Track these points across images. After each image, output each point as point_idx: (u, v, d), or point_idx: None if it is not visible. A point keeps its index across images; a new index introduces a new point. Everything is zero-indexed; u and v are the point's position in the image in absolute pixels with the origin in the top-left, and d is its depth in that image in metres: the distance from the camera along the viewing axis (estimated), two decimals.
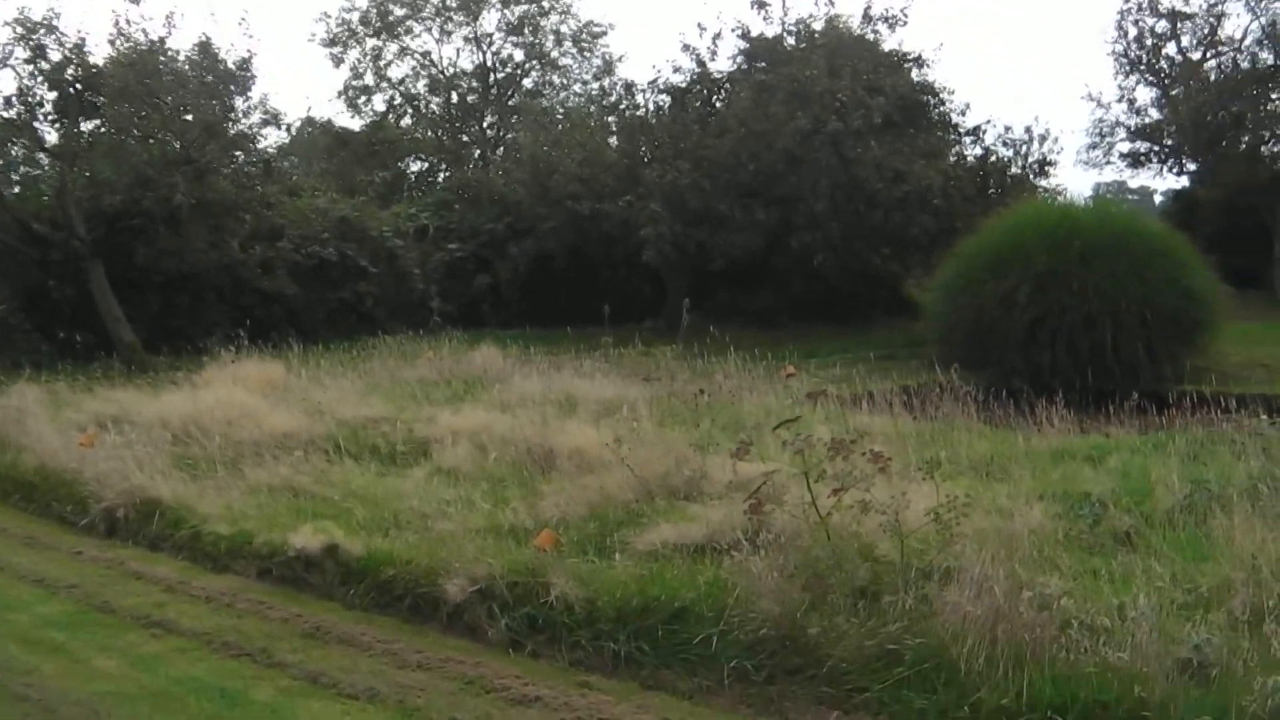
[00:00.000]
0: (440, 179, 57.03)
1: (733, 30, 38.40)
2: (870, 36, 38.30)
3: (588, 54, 60.11)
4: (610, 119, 42.80)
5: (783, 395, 18.40)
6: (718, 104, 39.73)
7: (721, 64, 39.45)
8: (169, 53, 33.69)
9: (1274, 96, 46.57)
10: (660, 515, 11.20)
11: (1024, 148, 41.30)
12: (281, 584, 11.81)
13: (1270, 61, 45.93)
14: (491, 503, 12.47)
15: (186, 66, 34.23)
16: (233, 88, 34.63)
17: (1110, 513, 10.41)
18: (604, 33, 59.84)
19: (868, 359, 28.20)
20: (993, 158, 38.89)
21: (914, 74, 38.73)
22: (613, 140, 41.44)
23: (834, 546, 8.85)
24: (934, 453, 12.81)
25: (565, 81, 60.25)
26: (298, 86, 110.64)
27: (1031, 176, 40.02)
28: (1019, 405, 17.31)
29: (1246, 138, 46.64)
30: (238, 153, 35.34)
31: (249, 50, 34.54)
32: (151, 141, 32.95)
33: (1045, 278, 25.44)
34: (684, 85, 39.77)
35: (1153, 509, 10.38)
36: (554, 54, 60.18)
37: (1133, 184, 71.56)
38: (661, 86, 40.32)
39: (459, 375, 22.91)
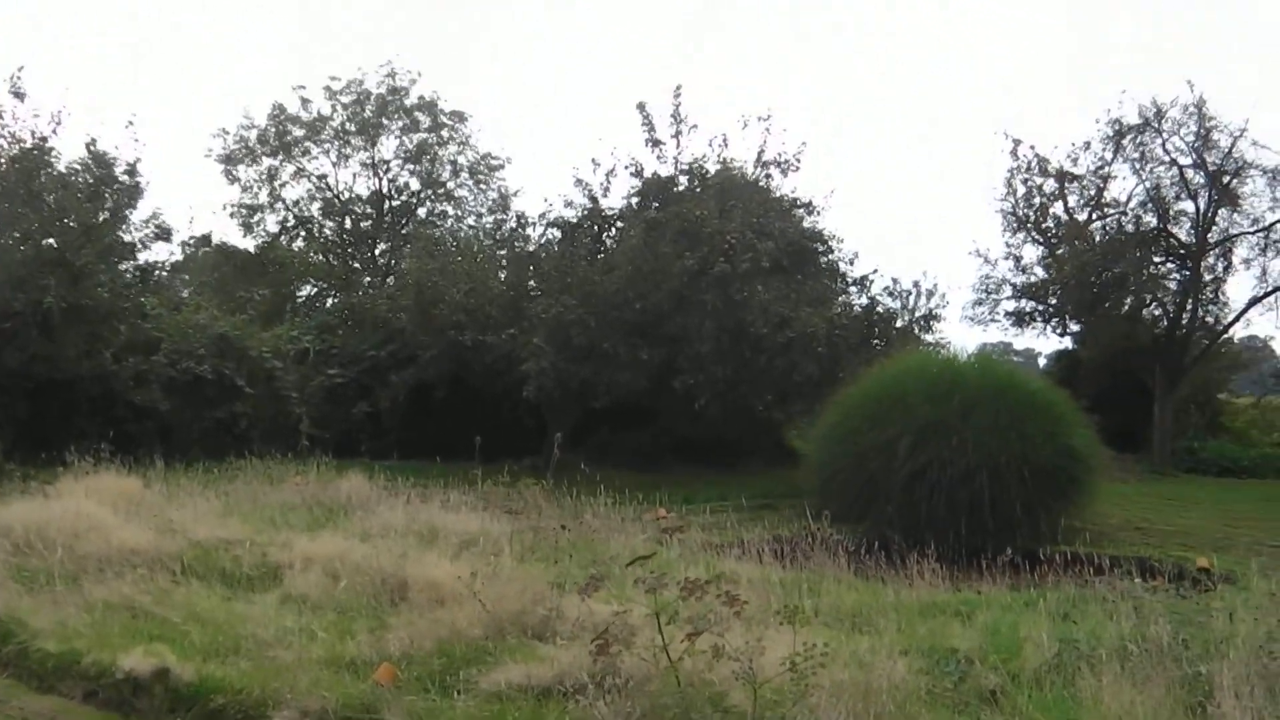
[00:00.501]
0: (329, 304, 56.51)
1: (626, 168, 38.33)
2: (762, 180, 38.43)
3: (484, 186, 60.18)
4: (500, 251, 42.54)
5: (652, 538, 18.03)
6: (608, 240, 39.64)
7: (614, 200, 39.41)
8: (53, 152, 33.15)
9: (1156, 259, 47.37)
10: (510, 654, 10.72)
11: (911, 300, 41.62)
12: (107, 707, 11.20)
13: (1153, 224, 46.74)
14: (336, 633, 11.93)
15: (73, 169, 33.77)
16: (120, 195, 34.12)
17: (976, 670, 10.07)
18: (501, 166, 60.00)
19: (745, 505, 28.01)
20: (879, 308, 39.04)
21: (804, 220, 38.91)
22: (502, 273, 41.14)
23: (683, 693, 8.41)
24: (797, 601, 12.47)
25: (460, 212, 60.10)
26: (191, 201, 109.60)
27: (917, 329, 40.24)
28: (891, 558, 17.05)
29: (1129, 299, 47.35)
30: (117, 260, 34.72)
31: (136, 156, 34.12)
32: (28, 242, 32.23)
33: (926, 429, 25.21)
34: (575, 220, 39.61)
35: (1020, 667, 10.04)
36: (450, 184, 60.14)
37: (1018, 345, 72.42)
38: (552, 220, 40.21)
39: (323, 502, 22.29)
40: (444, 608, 12.25)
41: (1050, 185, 49.76)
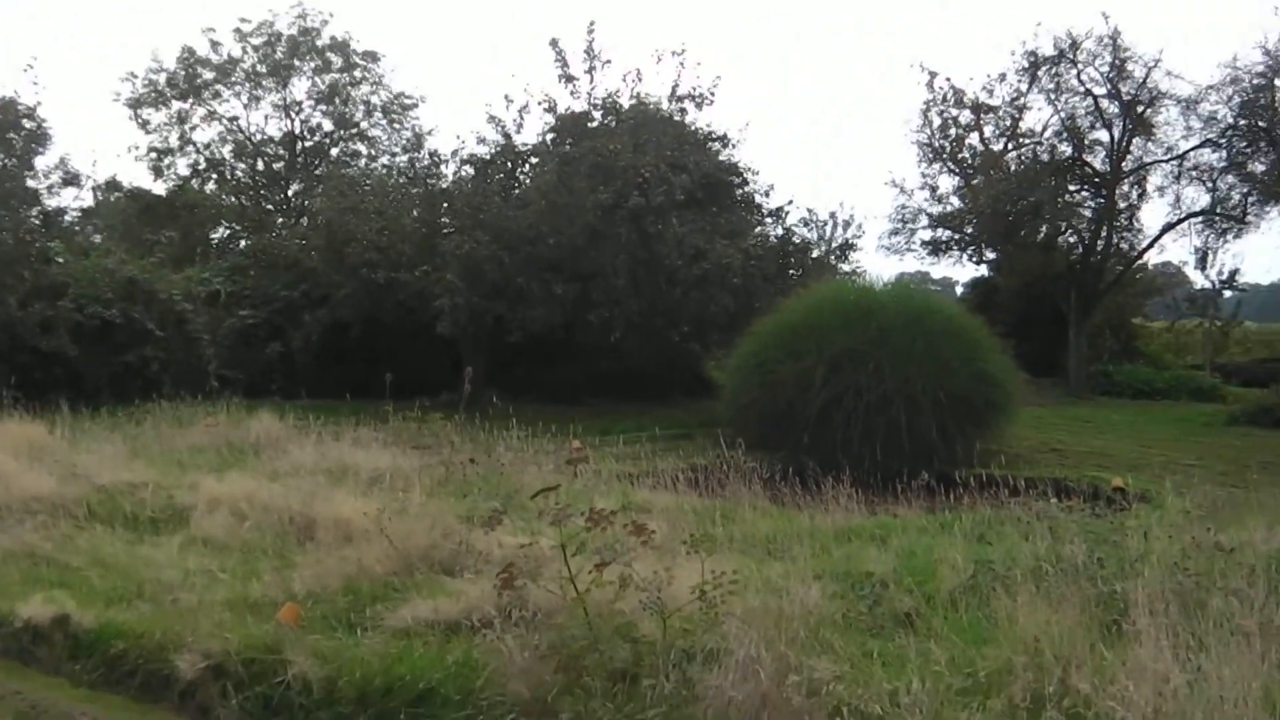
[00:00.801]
0: (242, 246, 55.69)
1: (540, 104, 37.86)
2: (677, 115, 38.11)
3: (398, 125, 59.35)
4: (414, 190, 41.97)
5: (561, 470, 17.84)
6: (522, 177, 39.25)
7: (528, 137, 38.96)
8: None
9: (1071, 188, 47.67)
10: (417, 590, 10.51)
11: (828, 230, 41.66)
12: (6, 657, 10.89)
13: (1068, 153, 46.94)
14: (241, 575, 11.68)
15: None
16: (25, 141, 33.38)
17: (891, 593, 9.94)
18: (415, 105, 59.08)
19: (661, 436, 27.95)
20: (794, 239, 38.97)
21: (720, 153, 38.66)
22: (415, 211, 40.60)
23: (591, 625, 8.21)
24: (711, 529, 12.35)
25: (374, 152, 59.23)
26: (101, 146, 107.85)
27: (833, 259, 40.27)
28: (807, 484, 16.95)
29: (1044, 228, 47.61)
30: (22, 206, 34.00)
31: (37, 100, 33.38)
32: None
33: (841, 358, 25.23)
34: (488, 157, 39.16)
35: (935, 590, 9.90)
36: (363, 124, 59.31)
37: (936, 274, 72.73)
38: (465, 157, 39.74)
39: (233, 443, 21.93)
40: (352, 545, 12.03)
41: (966, 116, 50.02)
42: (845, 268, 40.62)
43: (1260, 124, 43.45)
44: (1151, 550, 9.84)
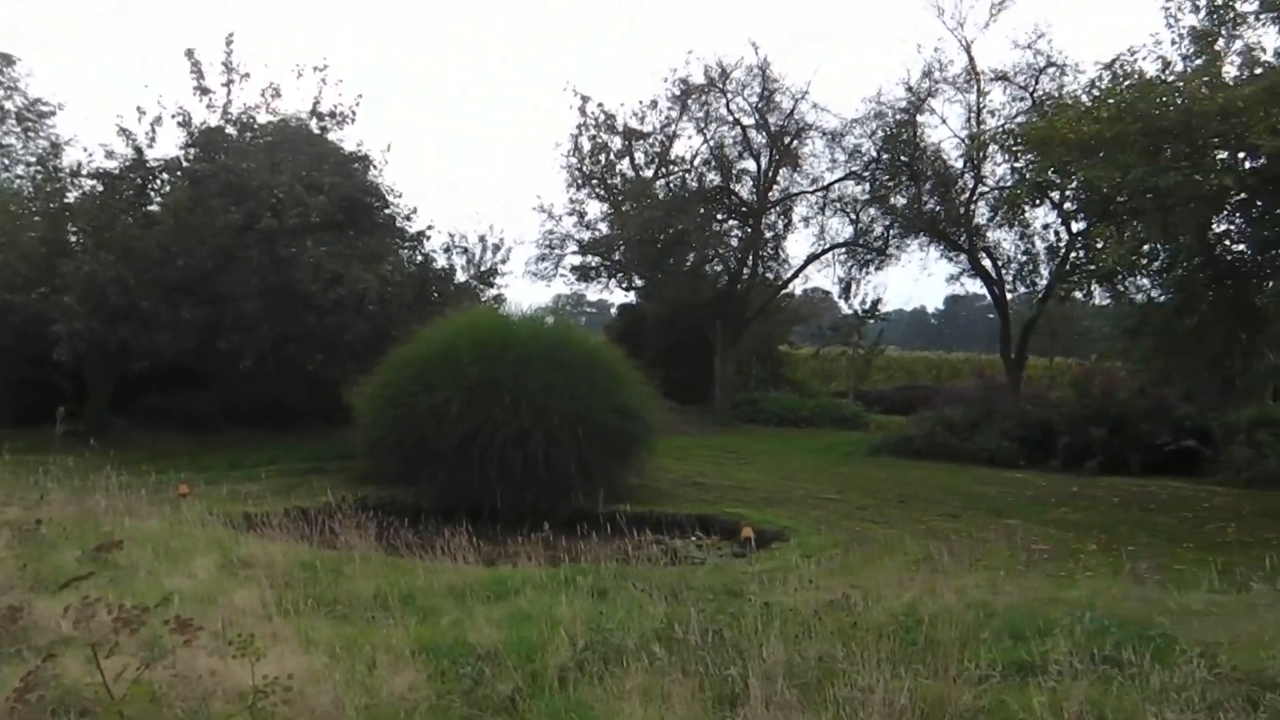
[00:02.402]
0: None
1: (174, 117, 35.98)
2: (316, 132, 36.74)
3: (33, 134, 56.25)
4: (34, 205, 39.48)
5: (171, 518, 16.45)
6: (153, 193, 37.27)
7: (163, 151, 36.96)
8: None
9: (718, 216, 48.02)
10: None
11: (474, 255, 40.84)
12: None
13: (716, 182, 47.27)
14: None
15: None
16: None
17: (498, 670, 8.96)
18: (52, 112, 56.11)
19: (296, 470, 26.90)
20: (436, 264, 38.04)
21: (364, 175, 37.42)
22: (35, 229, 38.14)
23: None
24: (313, 589, 11.28)
25: (9, 161, 56.02)
26: None
27: (477, 285, 39.47)
28: (429, 528, 16.08)
29: (692, 256, 47.74)
30: None
31: None
32: None
33: (478, 390, 24.45)
34: (117, 171, 37.05)
35: (543, 667, 8.95)
36: None
37: (591, 295, 72.82)
38: (90, 171, 37.52)
39: None
40: None
41: (617, 142, 49.90)
42: (490, 293, 39.79)
43: (902, 159, 44.54)
44: (774, 620, 9.14)
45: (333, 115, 36.71)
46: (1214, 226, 25.27)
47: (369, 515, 16.23)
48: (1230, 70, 23.45)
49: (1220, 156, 22.60)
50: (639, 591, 11.07)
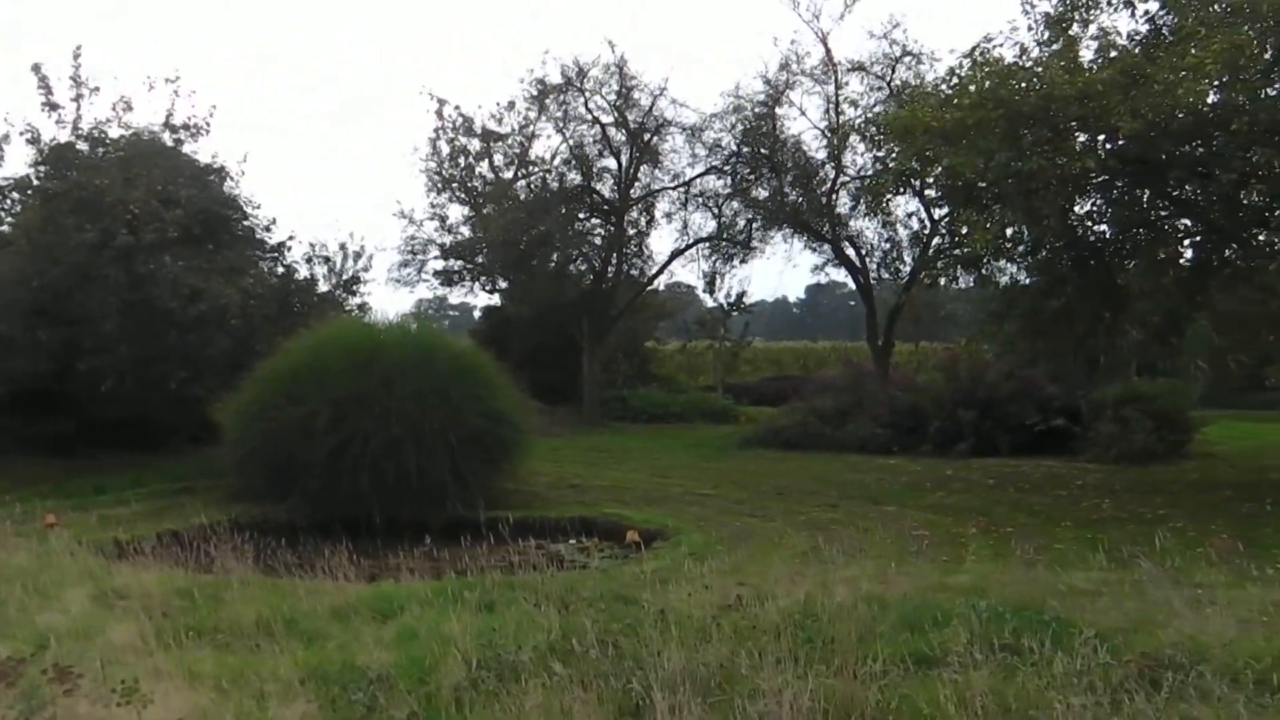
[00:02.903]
0: None
1: (22, 134, 35.08)
2: (171, 145, 36.01)
3: None
4: None
5: (39, 550, 15.95)
6: (3, 214, 36.37)
7: (12, 170, 36.04)
8: None
9: (580, 216, 47.81)
10: None
11: (336, 265, 40.38)
12: None
13: (577, 181, 47.07)
14: None
15: None
16: None
17: (390, 695, 8.66)
18: None
19: (164, 492, 26.39)
20: (298, 275, 37.47)
21: (221, 187, 36.75)
22: None
23: None
24: (192, 618, 10.94)
25: None
26: None
27: (340, 294, 38.99)
28: (307, 546, 15.74)
29: (555, 256, 47.54)
30: None
31: None
32: None
33: (347, 402, 24.05)
34: None
35: (438, 687, 8.69)
36: None
37: (454, 299, 72.43)
38: None
39: None
40: None
41: (476, 145, 49.61)
42: (354, 302, 39.31)
43: (762, 151, 44.64)
44: (671, 627, 8.98)
45: (186, 127, 35.98)
46: (1077, 209, 25.57)
47: (244, 536, 15.85)
48: (1086, 55, 23.70)
49: (1081, 139, 22.88)
50: (529, 605, 10.83)
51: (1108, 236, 26.53)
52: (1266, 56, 21.37)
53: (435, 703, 8.40)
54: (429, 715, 8.23)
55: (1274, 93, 21.67)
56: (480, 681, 8.60)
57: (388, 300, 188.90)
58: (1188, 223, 26.68)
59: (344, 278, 40.35)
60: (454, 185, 50.34)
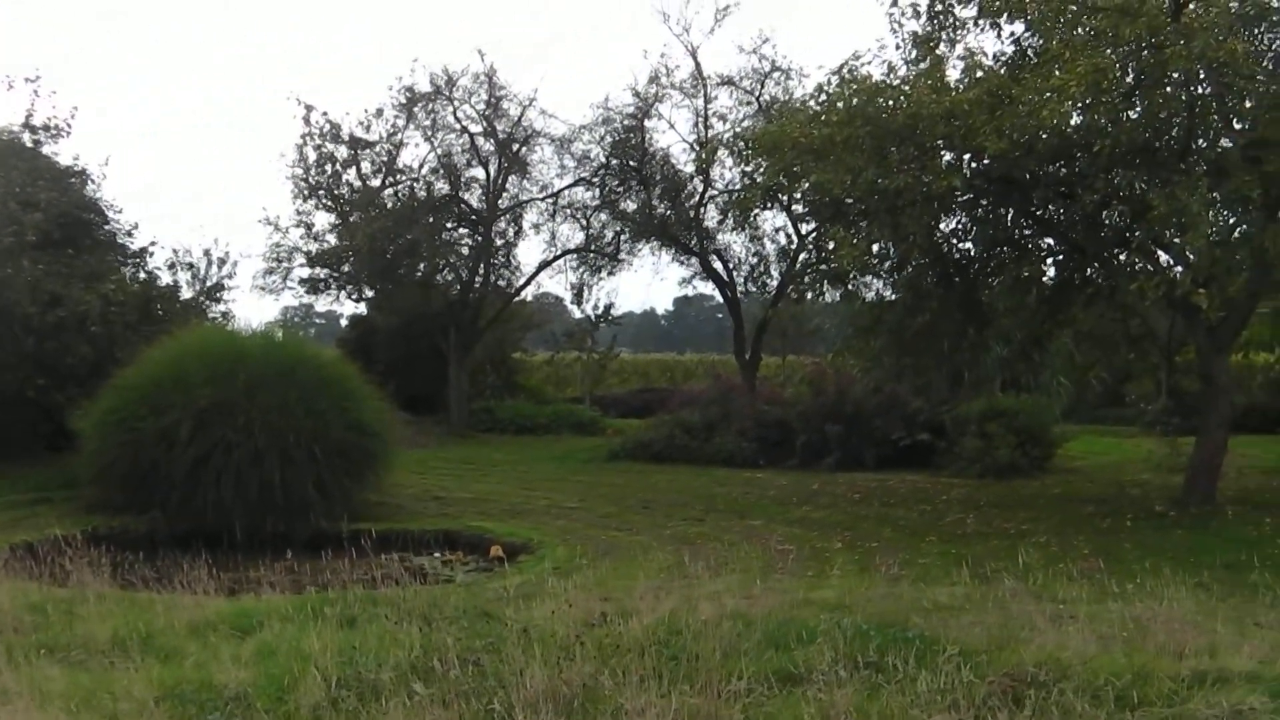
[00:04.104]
0: None
1: None
2: (30, 146, 35.31)
3: None
4: None
5: None
6: None
7: None
8: None
9: (448, 225, 47.57)
10: None
11: (199, 271, 39.88)
12: None
13: (445, 191, 46.82)
14: None
15: None
16: None
17: (247, 714, 8.47)
18: None
19: (19, 503, 25.84)
20: (160, 281, 36.91)
21: (82, 190, 36.09)
22: None
23: None
24: (35, 643, 10.68)
25: None
26: None
27: (204, 302, 38.48)
28: (165, 559, 15.46)
29: (422, 265, 47.22)
30: None
31: None
32: None
33: (209, 412, 23.69)
34: None
35: (296, 707, 8.51)
36: None
37: (320, 307, 71.73)
38: None
39: None
40: None
41: (343, 152, 49.10)
42: (218, 309, 38.85)
43: (631, 164, 44.77)
44: (533, 645, 8.89)
45: (47, 128, 35.31)
46: (942, 226, 25.81)
47: (102, 548, 15.49)
48: (953, 75, 23.94)
49: (947, 158, 23.10)
50: (390, 623, 10.68)
51: (972, 254, 26.82)
52: (1128, 80, 21.76)
53: None
54: None
55: (1135, 115, 22.04)
56: (340, 701, 8.43)
57: (253, 308, 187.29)
58: (1050, 242, 27.11)
59: (208, 285, 39.87)
60: (320, 192, 49.69)
